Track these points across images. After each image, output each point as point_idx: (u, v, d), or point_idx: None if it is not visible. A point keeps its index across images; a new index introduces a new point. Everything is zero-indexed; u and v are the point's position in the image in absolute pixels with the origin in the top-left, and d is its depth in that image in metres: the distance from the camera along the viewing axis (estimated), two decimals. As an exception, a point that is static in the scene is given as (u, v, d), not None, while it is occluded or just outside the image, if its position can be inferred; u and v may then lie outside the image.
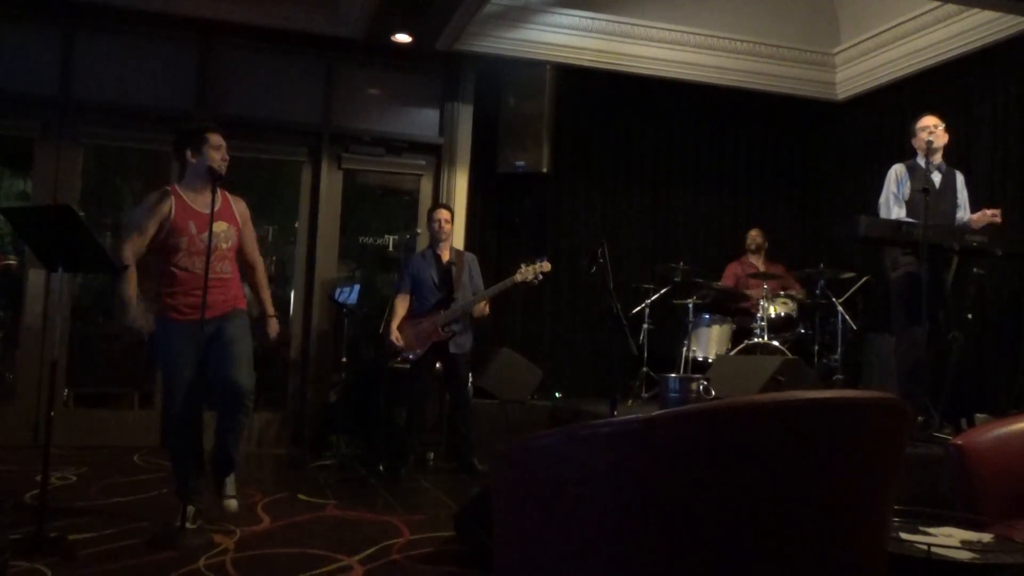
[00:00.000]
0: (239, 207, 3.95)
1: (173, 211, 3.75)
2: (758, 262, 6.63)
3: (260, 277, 4.09)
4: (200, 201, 3.78)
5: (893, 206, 4.78)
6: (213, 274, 3.69)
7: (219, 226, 3.76)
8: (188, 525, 3.64)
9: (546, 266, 5.23)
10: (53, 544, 3.26)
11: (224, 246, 3.81)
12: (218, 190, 3.80)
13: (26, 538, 3.26)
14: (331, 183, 6.45)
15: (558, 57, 6.45)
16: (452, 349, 5.24)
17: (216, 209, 3.71)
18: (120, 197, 6.68)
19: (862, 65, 6.79)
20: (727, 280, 6.62)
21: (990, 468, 2.77)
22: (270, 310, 4.06)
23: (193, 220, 3.75)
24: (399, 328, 5.26)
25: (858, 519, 1.69)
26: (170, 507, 3.78)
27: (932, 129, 4.79)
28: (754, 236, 6.77)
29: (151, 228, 3.73)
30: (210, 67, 6.17)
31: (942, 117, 4.86)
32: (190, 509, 3.70)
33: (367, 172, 6.75)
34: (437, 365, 5.39)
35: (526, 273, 5.19)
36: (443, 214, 5.43)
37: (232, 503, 3.97)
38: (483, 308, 5.30)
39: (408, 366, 5.34)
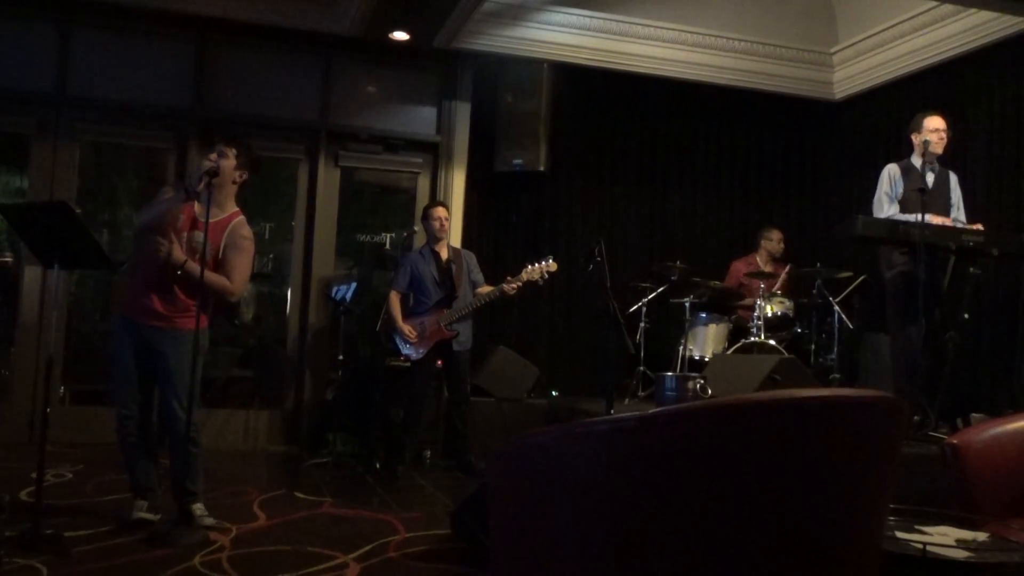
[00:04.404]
0: (235, 231, 3.74)
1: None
2: (763, 262, 6.60)
3: (222, 277, 3.69)
4: (202, 208, 3.66)
5: (886, 205, 4.78)
6: (169, 273, 3.60)
7: (199, 236, 3.62)
8: (143, 515, 3.66)
9: (552, 266, 5.23)
10: (48, 541, 3.26)
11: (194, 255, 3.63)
12: (233, 207, 3.79)
13: (21, 535, 3.26)
14: (328, 181, 6.44)
15: (556, 55, 6.45)
16: (455, 347, 5.24)
17: (212, 220, 3.62)
18: (117, 194, 6.67)
19: (859, 65, 6.79)
20: (733, 278, 6.60)
21: (986, 467, 2.77)
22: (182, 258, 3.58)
23: (184, 216, 3.69)
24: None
25: (854, 518, 1.69)
26: (166, 505, 3.77)
27: (942, 134, 4.78)
28: (779, 239, 6.64)
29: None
30: (207, 64, 6.16)
31: (944, 119, 4.86)
32: (142, 503, 3.71)
33: (364, 170, 6.75)
34: (437, 363, 5.39)
35: (532, 272, 5.19)
36: (441, 212, 5.42)
37: (206, 521, 3.76)
38: (514, 287, 5.20)
39: (407, 364, 5.34)
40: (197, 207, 3.70)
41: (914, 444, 4.12)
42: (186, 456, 3.66)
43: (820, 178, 7.40)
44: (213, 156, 3.70)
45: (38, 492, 3.36)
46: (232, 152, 3.74)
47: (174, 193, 3.74)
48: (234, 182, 3.79)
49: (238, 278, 3.75)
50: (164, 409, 3.69)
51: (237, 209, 3.84)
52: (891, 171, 4.85)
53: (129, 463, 3.76)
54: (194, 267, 3.57)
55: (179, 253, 3.59)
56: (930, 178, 4.81)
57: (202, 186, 3.59)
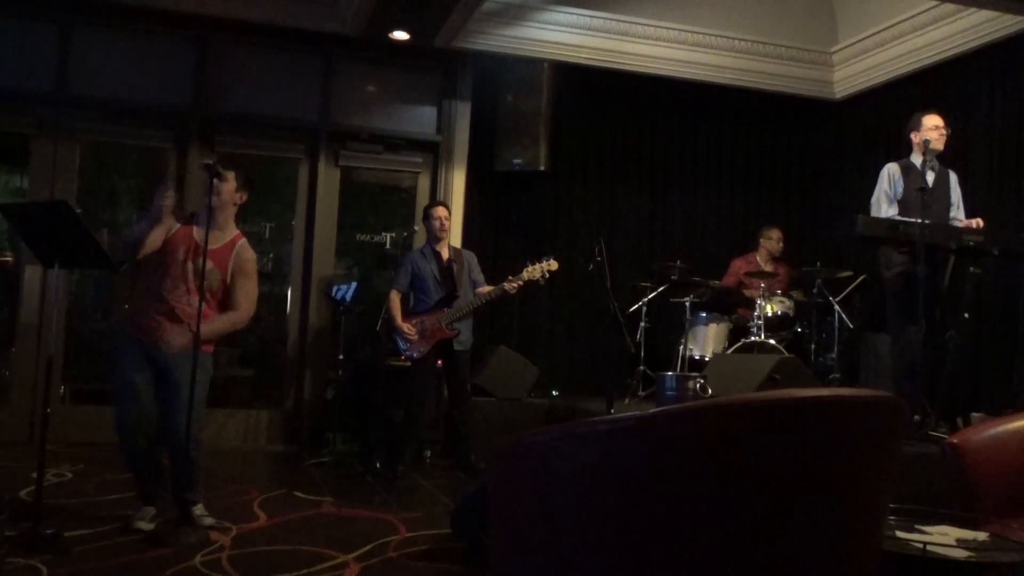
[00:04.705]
0: (241, 256, 3.75)
1: (172, 231, 3.68)
2: (763, 261, 6.60)
3: (230, 315, 3.74)
4: (203, 235, 3.62)
5: (885, 205, 4.78)
6: (177, 302, 3.59)
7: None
8: (144, 526, 3.62)
9: (553, 265, 5.23)
10: (49, 541, 3.26)
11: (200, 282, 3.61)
12: (235, 230, 3.77)
13: (22, 535, 3.26)
14: (328, 180, 6.44)
15: (556, 55, 6.45)
16: (456, 347, 5.24)
17: (213, 248, 3.62)
18: (117, 194, 6.66)
19: (860, 64, 6.79)
20: (732, 276, 6.60)
21: (986, 467, 2.77)
22: (194, 328, 3.57)
23: (185, 246, 3.65)
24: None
25: (854, 517, 1.69)
26: (166, 504, 3.77)
27: (942, 131, 4.78)
28: (779, 238, 6.64)
29: (161, 234, 3.66)
30: (208, 63, 6.16)
31: (943, 117, 4.86)
32: (148, 509, 3.69)
33: (364, 169, 6.75)
34: (438, 363, 5.39)
35: (533, 272, 5.19)
36: (442, 211, 5.42)
37: (206, 521, 3.77)
38: (514, 286, 5.20)
39: (407, 364, 5.34)
40: (196, 232, 3.68)
41: (914, 444, 4.12)
42: (187, 469, 3.65)
43: (820, 177, 7.40)
44: (211, 162, 3.69)
45: (38, 492, 3.37)
46: (231, 175, 3.74)
47: (169, 192, 3.72)
48: (235, 204, 3.80)
49: (247, 304, 3.77)
50: (166, 425, 3.65)
51: (238, 231, 3.84)
52: (891, 170, 4.84)
53: (135, 468, 3.73)
54: (205, 331, 3.55)
55: (180, 343, 3.57)
56: (930, 177, 4.80)
57: (168, 201, 3.56)
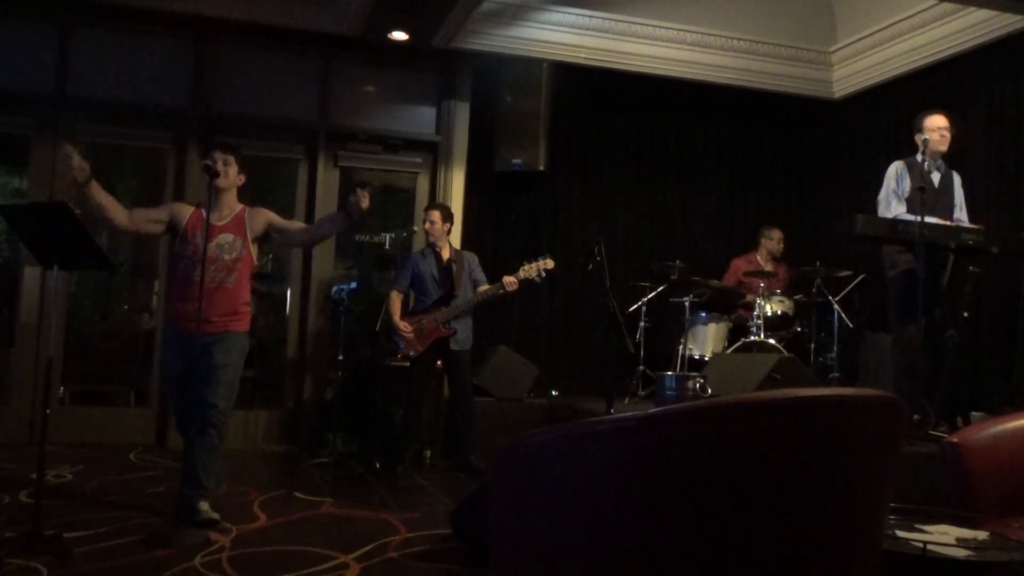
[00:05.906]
0: (256, 219, 4.01)
1: (187, 220, 3.91)
2: (763, 261, 6.60)
3: (309, 227, 4.31)
4: (214, 215, 3.86)
5: (893, 203, 4.78)
6: (212, 283, 3.77)
7: (224, 237, 3.87)
8: (208, 514, 3.71)
9: (549, 263, 5.24)
10: (48, 542, 3.26)
11: (226, 257, 3.86)
12: (239, 205, 3.99)
13: (21, 536, 3.26)
14: (327, 181, 6.44)
15: (555, 55, 6.45)
16: (453, 346, 5.25)
17: (225, 223, 3.90)
18: (116, 194, 6.63)
19: (858, 63, 6.79)
20: (732, 275, 6.59)
21: (986, 466, 2.77)
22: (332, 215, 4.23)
23: (201, 230, 3.79)
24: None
25: (854, 517, 1.69)
26: (166, 505, 3.77)
27: (944, 132, 4.78)
28: (779, 239, 6.64)
29: (161, 213, 3.98)
30: (207, 64, 6.16)
31: (947, 118, 4.86)
32: (203, 504, 3.76)
33: (363, 170, 6.74)
34: (438, 363, 5.39)
35: (529, 270, 5.20)
36: (432, 214, 5.45)
37: (212, 515, 3.79)
38: (513, 283, 5.22)
39: (407, 364, 5.34)
40: (204, 210, 3.87)
41: (914, 443, 4.12)
42: (208, 443, 3.76)
43: (819, 177, 7.40)
44: (219, 164, 3.86)
45: (38, 492, 3.36)
46: (232, 159, 3.95)
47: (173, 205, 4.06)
48: (236, 186, 4.01)
49: (301, 223, 4.29)
50: (199, 398, 3.76)
51: (242, 205, 4.05)
52: (897, 167, 4.85)
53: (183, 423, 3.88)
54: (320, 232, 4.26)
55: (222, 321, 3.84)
56: (936, 177, 4.81)
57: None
